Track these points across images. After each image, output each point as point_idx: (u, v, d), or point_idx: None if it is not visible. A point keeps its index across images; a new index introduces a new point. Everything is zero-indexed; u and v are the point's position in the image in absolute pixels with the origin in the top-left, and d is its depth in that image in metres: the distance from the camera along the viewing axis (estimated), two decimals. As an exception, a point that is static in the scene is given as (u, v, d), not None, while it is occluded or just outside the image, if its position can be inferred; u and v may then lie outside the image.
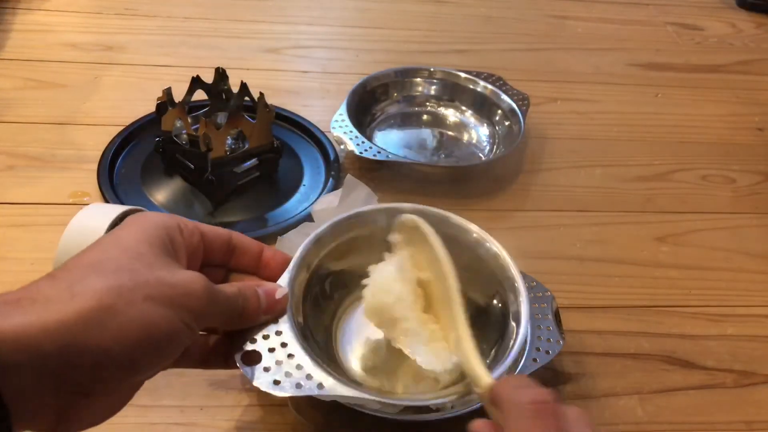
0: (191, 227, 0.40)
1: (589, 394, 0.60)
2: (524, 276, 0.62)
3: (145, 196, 0.74)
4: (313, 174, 0.80)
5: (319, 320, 0.51)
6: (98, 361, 0.31)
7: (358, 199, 0.60)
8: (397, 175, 0.81)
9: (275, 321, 0.41)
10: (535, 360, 0.55)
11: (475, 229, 0.60)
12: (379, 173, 0.81)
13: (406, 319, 0.47)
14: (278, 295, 0.41)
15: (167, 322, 0.33)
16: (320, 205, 0.63)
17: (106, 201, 0.72)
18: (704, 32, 1.22)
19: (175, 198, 0.74)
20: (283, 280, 0.44)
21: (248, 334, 0.41)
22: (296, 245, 0.53)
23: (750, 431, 0.59)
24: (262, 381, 0.40)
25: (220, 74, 0.78)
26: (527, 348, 0.56)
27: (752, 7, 1.30)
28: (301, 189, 0.78)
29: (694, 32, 1.21)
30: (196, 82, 0.78)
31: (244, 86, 0.77)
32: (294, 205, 0.75)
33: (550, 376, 0.61)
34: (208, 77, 0.79)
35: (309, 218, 0.69)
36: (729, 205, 0.84)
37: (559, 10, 1.23)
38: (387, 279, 0.48)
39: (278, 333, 0.41)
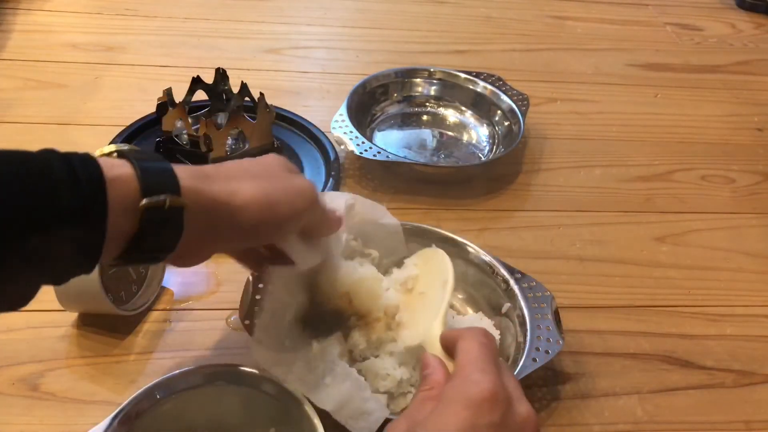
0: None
1: (589, 394, 0.60)
2: (524, 276, 0.62)
3: (146, 196, 0.74)
4: (313, 174, 0.80)
5: None
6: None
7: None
8: (397, 175, 0.81)
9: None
10: (534, 360, 0.55)
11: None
12: (379, 173, 0.81)
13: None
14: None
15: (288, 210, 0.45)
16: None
17: (107, 201, 0.72)
18: (703, 32, 1.22)
19: (175, 198, 0.74)
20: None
21: None
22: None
23: (749, 431, 0.59)
24: None
25: (221, 74, 0.78)
26: (527, 348, 0.56)
27: (752, 8, 1.30)
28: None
29: (694, 32, 1.21)
30: (196, 83, 0.78)
31: (244, 86, 0.77)
32: (294, 205, 0.75)
33: (550, 375, 0.61)
34: (209, 77, 0.79)
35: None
36: (728, 205, 0.84)
37: (559, 11, 1.23)
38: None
39: None
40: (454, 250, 0.65)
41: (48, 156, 0.36)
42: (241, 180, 0.44)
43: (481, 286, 0.64)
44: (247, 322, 0.55)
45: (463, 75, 0.92)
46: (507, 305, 0.61)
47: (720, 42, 1.20)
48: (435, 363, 0.45)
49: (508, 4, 1.22)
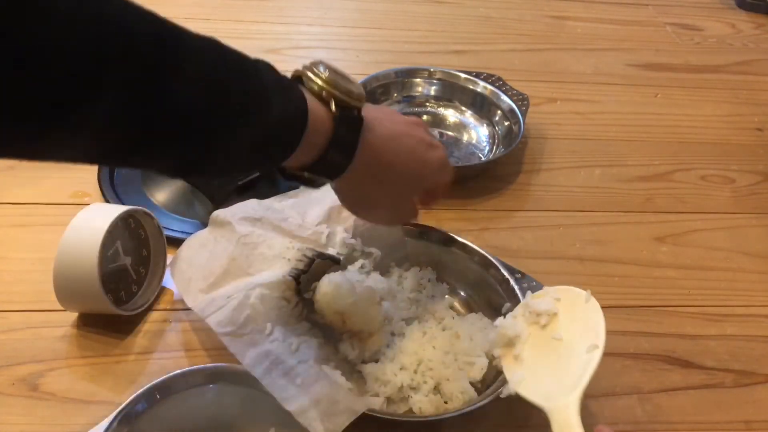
0: None
1: (589, 394, 0.60)
2: (524, 276, 0.62)
3: (146, 196, 0.74)
4: (313, 174, 0.80)
5: None
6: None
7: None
8: (397, 175, 0.80)
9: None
10: (534, 360, 0.55)
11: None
12: (379, 173, 0.81)
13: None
14: None
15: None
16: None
17: (107, 201, 0.72)
18: (703, 32, 1.22)
19: (175, 198, 0.74)
20: None
21: None
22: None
23: (749, 431, 0.59)
24: None
25: (221, 74, 0.78)
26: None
27: (752, 8, 1.30)
28: (302, 189, 0.78)
29: (694, 32, 1.21)
30: (196, 83, 0.78)
31: (244, 86, 0.77)
32: (294, 205, 0.75)
33: (550, 375, 0.61)
34: (209, 77, 0.79)
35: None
36: (728, 205, 0.84)
37: (559, 11, 1.23)
38: None
39: None
40: (454, 250, 0.65)
41: (264, 67, 0.42)
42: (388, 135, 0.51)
43: (481, 286, 0.64)
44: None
45: (463, 75, 0.92)
46: (507, 305, 0.61)
47: (720, 42, 1.20)
48: None
49: (508, 4, 1.22)
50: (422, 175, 0.54)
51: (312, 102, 0.45)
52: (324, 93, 0.46)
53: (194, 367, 0.50)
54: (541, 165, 0.86)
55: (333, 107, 0.46)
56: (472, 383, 0.56)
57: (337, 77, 0.47)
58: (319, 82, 0.46)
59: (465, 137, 0.90)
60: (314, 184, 0.50)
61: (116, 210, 0.58)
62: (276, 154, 0.45)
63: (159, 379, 0.49)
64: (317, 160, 0.46)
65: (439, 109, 0.93)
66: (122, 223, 0.59)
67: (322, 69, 0.48)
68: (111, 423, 0.46)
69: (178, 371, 0.49)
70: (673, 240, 0.78)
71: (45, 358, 0.57)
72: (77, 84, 0.32)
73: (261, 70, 0.43)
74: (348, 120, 0.47)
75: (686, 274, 0.74)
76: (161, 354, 0.59)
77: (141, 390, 0.48)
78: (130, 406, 0.47)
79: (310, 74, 0.47)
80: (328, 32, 1.09)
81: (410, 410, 0.55)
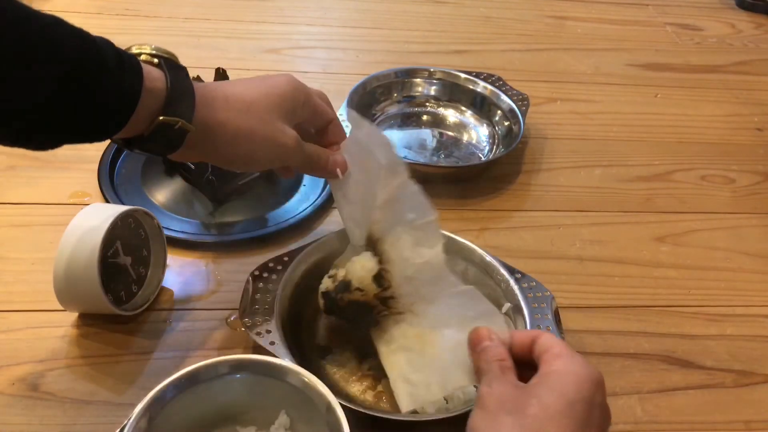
0: (311, 106, 0.57)
1: (589, 394, 0.60)
2: (524, 276, 0.62)
3: (146, 196, 0.74)
4: (313, 174, 0.80)
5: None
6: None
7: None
8: (397, 175, 0.81)
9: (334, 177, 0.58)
10: (534, 360, 0.55)
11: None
12: (379, 173, 0.81)
13: None
14: (340, 169, 0.58)
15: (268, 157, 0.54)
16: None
17: (107, 201, 0.72)
18: (703, 32, 1.22)
19: (175, 198, 0.75)
20: None
21: None
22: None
23: (749, 431, 0.59)
24: None
25: (221, 74, 0.78)
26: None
27: (752, 8, 1.30)
28: (301, 189, 0.78)
29: (694, 32, 1.21)
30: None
31: (244, 86, 0.77)
32: (294, 205, 0.76)
33: (550, 375, 0.61)
34: (209, 78, 0.79)
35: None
36: (728, 205, 0.84)
37: (559, 11, 1.23)
38: None
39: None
40: (454, 250, 0.65)
41: (105, 44, 0.44)
42: (238, 113, 0.51)
43: (481, 286, 0.64)
44: (247, 320, 0.55)
45: (463, 75, 0.92)
46: (507, 305, 0.61)
47: (720, 42, 1.20)
48: (493, 336, 0.48)
49: (508, 4, 1.22)
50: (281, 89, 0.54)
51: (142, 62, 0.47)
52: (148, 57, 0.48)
53: (220, 358, 0.50)
54: (541, 165, 0.86)
55: (162, 64, 0.48)
56: (472, 383, 0.56)
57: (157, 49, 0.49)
58: (145, 49, 0.49)
59: (465, 137, 0.90)
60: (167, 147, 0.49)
61: (116, 210, 0.58)
62: (119, 105, 0.45)
63: (187, 369, 0.48)
64: (162, 115, 0.46)
65: (439, 109, 0.93)
66: (122, 223, 0.59)
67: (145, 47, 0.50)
68: (140, 408, 0.45)
69: (205, 362, 0.49)
70: (673, 240, 0.78)
71: (45, 358, 0.57)
72: None
73: (97, 40, 0.44)
74: (176, 69, 0.48)
75: (686, 274, 0.74)
76: (161, 354, 0.59)
77: (170, 378, 0.47)
78: (160, 392, 0.46)
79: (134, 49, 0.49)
80: (328, 32, 1.10)
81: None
